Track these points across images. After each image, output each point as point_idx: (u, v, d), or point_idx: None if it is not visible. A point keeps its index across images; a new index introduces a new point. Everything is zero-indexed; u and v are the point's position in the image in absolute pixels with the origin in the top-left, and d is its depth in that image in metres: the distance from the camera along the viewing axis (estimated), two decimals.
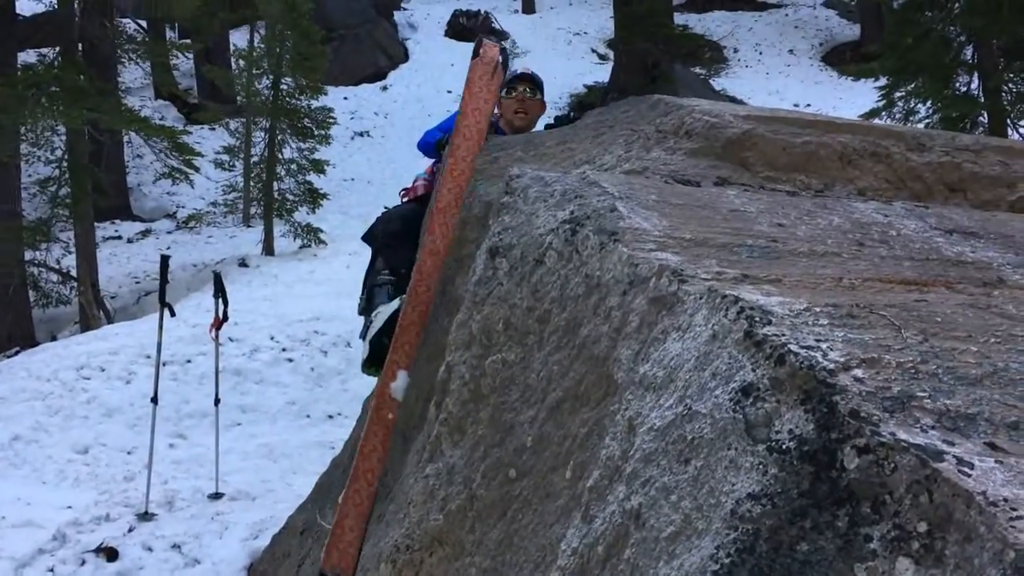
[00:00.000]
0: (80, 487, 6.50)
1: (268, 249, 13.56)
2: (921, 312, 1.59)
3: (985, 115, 10.94)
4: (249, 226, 15.03)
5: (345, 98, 20.31)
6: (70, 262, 12.48)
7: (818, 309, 1.53)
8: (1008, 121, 10.96)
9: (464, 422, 2.35)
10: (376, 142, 19.40)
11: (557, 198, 2.36)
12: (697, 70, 21.16)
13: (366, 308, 3.79)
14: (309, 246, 13.66)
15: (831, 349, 1.36)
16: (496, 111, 3.95)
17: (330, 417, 8.15)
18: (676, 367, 1.58)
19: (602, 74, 21.00)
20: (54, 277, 12.62)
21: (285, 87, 14.11)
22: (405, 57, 23.10)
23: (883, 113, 11.59)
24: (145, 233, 15.51)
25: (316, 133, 14.27)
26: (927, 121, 11.15)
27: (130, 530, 5.66)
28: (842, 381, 1.28)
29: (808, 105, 18.26)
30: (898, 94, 11.56)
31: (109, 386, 8.22)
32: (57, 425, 7.56)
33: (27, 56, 13.76)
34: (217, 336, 6.86)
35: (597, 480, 1.70)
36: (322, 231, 13.84)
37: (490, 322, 2.35)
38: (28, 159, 12.57)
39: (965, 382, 1.33)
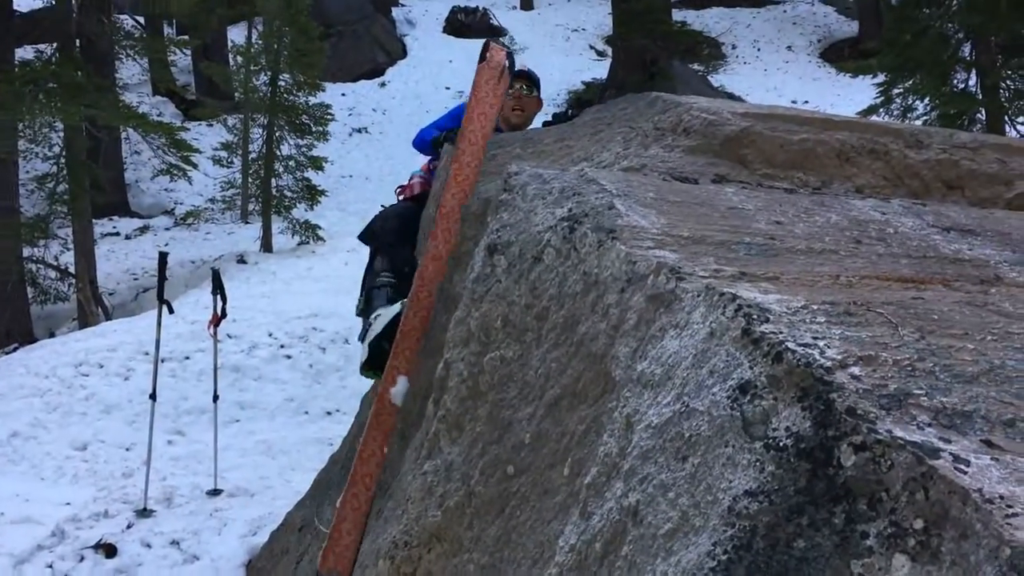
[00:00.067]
0: (79, 483, 6.50)
1: (266, 246, 13.54)
2: (918, 310, 1.60)
3: (983, 112, 10.95)
4: (247, 223, 15.01)
5: (343, 94, 20.30)
6: (68, 259, 12.47)
7: (815, 307, 1.53)
8: (1006, 118, 10.97)
9: (462, 419, 2.35)
10: (374, 139, 19.40)
11: (555, 195, 2.36)
12: (695, 67, 21.13)
13: (365, 310, 3.73)
14: (307, 243, 13.64)
15: (828, 347, 1.36)
16: None
17: (328, 413, 8.16)
18: (674, 364, 1.59)
19: (600, 70, 20.99)
20: (52, 274, 12.61)
21: (283, 83, 14.08)
22: (403, 53, 23.07)
23: (881, 110, 11.59)
24: (143, 230, 15.50)
25: (314, 130, 14.24)
26: (925, 118, 11.16)
27: (129, 526, 5.66)
28: (839, 379, 1.28)
29: (806, 102, 18.27)
30: (896, 91, 11.56)
31: (107, 383, 8.22)
32: (55, 421, 7.56)
33: (24, 52, 13.73)
34: (215, 333, 6.87)
35: (595, 477, 1.70)
36: (320, 228, 13.82)
37: (488, 319, 2.35)
38: (26, 155, 12.53)
39: (962, 379, 1.33)
